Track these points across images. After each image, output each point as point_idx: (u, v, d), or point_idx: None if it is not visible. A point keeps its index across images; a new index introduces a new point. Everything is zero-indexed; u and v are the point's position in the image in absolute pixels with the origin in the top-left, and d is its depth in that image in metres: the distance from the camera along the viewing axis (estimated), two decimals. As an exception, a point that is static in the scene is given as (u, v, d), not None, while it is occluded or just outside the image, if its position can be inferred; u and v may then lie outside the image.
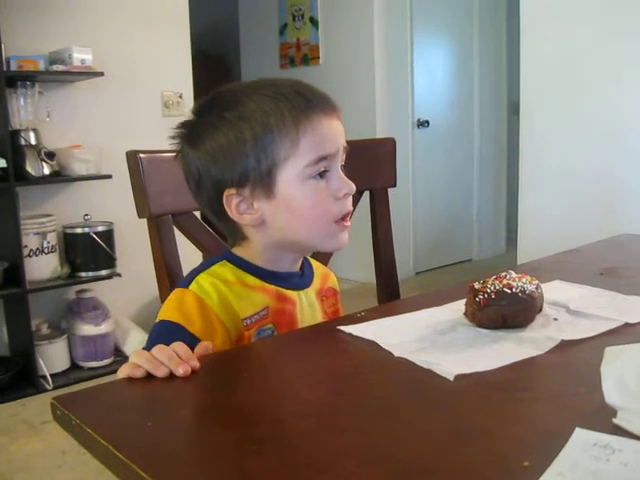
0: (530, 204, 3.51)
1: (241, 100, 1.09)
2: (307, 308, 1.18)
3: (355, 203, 1.60)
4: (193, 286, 1.07)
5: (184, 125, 1.15)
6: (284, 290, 1.14)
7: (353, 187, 1.11)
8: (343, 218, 1.12)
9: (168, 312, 1.05)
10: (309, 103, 1.09)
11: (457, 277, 5.17)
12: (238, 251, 1.16)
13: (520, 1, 3.42)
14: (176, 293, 1.08)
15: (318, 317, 1.20)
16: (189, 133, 1.13)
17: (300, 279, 1.20)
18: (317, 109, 1.09)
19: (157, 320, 1.06)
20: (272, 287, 1.13)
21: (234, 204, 1.09)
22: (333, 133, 1.11)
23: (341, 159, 1.13)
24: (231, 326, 1.06)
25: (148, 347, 0.92)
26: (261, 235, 1.13)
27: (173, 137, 1.15)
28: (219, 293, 1.06)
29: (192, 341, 0.96)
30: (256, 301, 1.10)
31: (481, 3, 5.72)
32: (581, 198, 3.28)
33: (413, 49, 5.28)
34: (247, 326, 1.08)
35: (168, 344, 0.90)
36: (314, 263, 1.28)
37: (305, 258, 1.24)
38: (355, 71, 5.15)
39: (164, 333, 1.02)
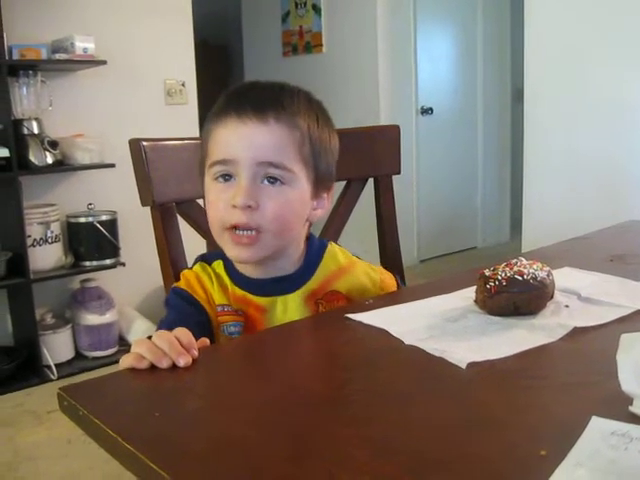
0: (535, 191, 3.50)
1: None
2: (281, 316, 1.14)
3: (358, 191, 1.59)
4: (196, 267, 1.20)
5: None
6: (254, 297, 1.15)
7: (244, 201, 1.05)
8: (236, 229, 1.07)
9: (179, 283, 1.18)
10: (226, 106, 1.10)
11: (462, 265, 5.16)
12: None
13: (525, -14, 3.40)
14: (184, 272, 1.20)
15: None
16: None
17: (280, 284, 1.16)
18: (231, 113, 1.08)
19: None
20: (242, 293, 1.16)
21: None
22: (238, 139, 1.07)
23: (257, 171, 1.06)
24: (214, 305, 1.16)
25: (169, 308, 1.14)
26: None
27: None
28: (212, 278, 1.18)
29: (195, 301, 1.14)
30: (229, 301, 1.16)
31: (485, -11, 5.70)
32: (586, 184, 3.27)
33: (417, 36, 5.25)
34: (219, 312, 1.15)
35: (181, 304, 1.13)
36: (331, 260, 1.22)
37: (314, 255, 1.21)
38: (358, 58, 5.12)
39: (176, 293, 1.16)
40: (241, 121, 1.06)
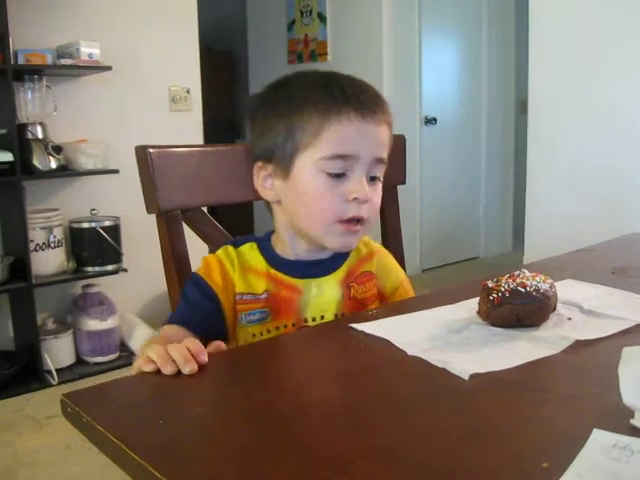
0: (537, 201, 3.50)
1: (294, 86, 1.16)
2: (315, 298, 1.19)
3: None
4: (220, 252, 1.21)
5: (254, 97, 1.22)
6: (289, 278, 1.19)
7: (366, 195, 1.10)
8: (350, 221, 1.11)
9: (198, 268, 1.21)
10: (346, 99, 1.09)
11: (464, 274, 5.16)
12: (274, 234, 1.24)
13: (529, -2, 3.41)
14: (206, 257, 1.22)
15: (330, 307, 1.20)
16: (253, 106, 1.20)
17: (316, 267, 1.21)
18: (350, 106, 1.09)
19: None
20: (276, 273, 1.19)
21: (261, 177, 1.18)
22: (360, 136, 1.09)
23: (371, 167, 1.11)
24: (234, 293, 1.18)
25: (184, 299, 1.17)
26: (279, 215, 1.20)
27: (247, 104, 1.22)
28: (234, 263, 1.19)
29: (209, 290, 1.16)
30: (255, 284, 1.18)
31: (490, 1, 5.70)
32: (589, 195, 3.27)
33: (421, 46, 5.25)
34: (237, 301, 1.18)
35: (195, 295, 1.15)
36: (362, 244, 1.27)
37: None
38: (363, 68, 5.11)
39: (193, 281, 1.19)
40: (364, 119, 1.09)
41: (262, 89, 1.20)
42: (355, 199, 1.09)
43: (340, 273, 1.22)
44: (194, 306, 1.16)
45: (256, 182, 1.19)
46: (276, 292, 1.18)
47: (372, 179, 1.13)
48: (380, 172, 1.14)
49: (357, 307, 1.22)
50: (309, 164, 1.10)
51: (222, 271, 1.18)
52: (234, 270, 1.18)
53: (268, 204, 1.23)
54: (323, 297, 1.20)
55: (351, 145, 1.09)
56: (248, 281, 1.18)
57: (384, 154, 1.13)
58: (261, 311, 1.17)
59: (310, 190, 1.11)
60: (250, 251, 1.21)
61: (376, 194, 1.14)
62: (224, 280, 1.17)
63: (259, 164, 1.17)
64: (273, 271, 1.19)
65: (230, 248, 1.21)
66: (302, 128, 1.10)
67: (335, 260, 1.22)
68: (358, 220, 1.11)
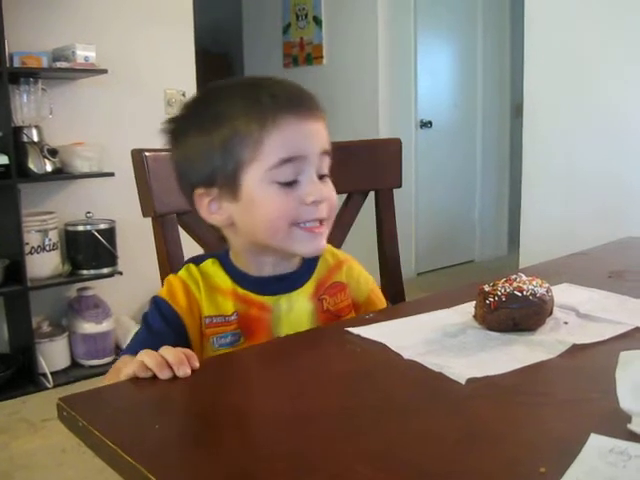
0: (533, 205, 3.50)
1: (217, 101, 1.10)
2: (286, 314, 1.14)
3: (359, 204, 1.59)
4: (182, 272, 1.15)
5: (170, 122, 1.14)
6: (257, 296, 1.14)
7: (324, 194, 1.07)
8: (311, 225, 1.08)
9: (161, 290, 1.15)
10: (277, 104, 1.05)
11: (459, 278, 5.16)
12: (231, 252, 1.18)
13: (524, 2, 3.41)
14: (169, 277, 1.16)
15: (304, 322, 1.15)
16: (173, 131, 1.13)
17: (284, 282, 1.16)
18: (286, 110, 1.05)
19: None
20: (244, 292, 1.14)
21: (205, 203, 1.11)
22: (303, 136, 1.06)
23: (319, 165, 1.08)
24: (200, 315, 1.13)
25: (145, 326, 1.11)
26: (234, 237, 1.14)
27: (163, 132, 1.14)
28: (199, 284, 1.13)
29: (173, 314, 1.10)
30: (224, 306, 1.13)
31: (485, 4, 5.71)
32: (584, 199, 3.27)
33: (417, 49, 5.26)
34: (207, 325, 1.12)
35: (157, 323, 1.09)
36: (329, 255, 1.23)
37: None
38: (358, 71, 5.13)
39: (155, 305, 1.12)
40: (302, 118, 1.06)
41: (178, 111, 1.15)
42: (314, 202, 1.06)
43: (310, 286, 1.18)
44: (155, 334, 1.09)
45: (200, 210, 1.12)
46: (245, 312, 1.13)
47: (321, 178, 1.09)
48: (327, 169, 1.11)
49: (333, 320, 1.18)
50: (258, 178, 1.05)
51: (186, 292, 1.12)
52: (199, 291, 1.13)
53: (216, 229, 1.17)
54: (294, 313, 1.15)
55: (295, 146, 1.05)
56: (216, 303, 1.12)
57: (328, 146, 1.10)
58: (233, 333, 1.12)
59: (265, 204, 1.06)
60: (213, 268, 1.16)
61: (330, 191, 1.11)
62: (189, 302, 1.12)
63: (200, 191, 1.10)
64: (241, 290, 1.14)
65: (192, 267, 1.15)
66: (240, 142, 1.05)
67: (303, 273, 1.18)
68: (320, 221, 1.09)
